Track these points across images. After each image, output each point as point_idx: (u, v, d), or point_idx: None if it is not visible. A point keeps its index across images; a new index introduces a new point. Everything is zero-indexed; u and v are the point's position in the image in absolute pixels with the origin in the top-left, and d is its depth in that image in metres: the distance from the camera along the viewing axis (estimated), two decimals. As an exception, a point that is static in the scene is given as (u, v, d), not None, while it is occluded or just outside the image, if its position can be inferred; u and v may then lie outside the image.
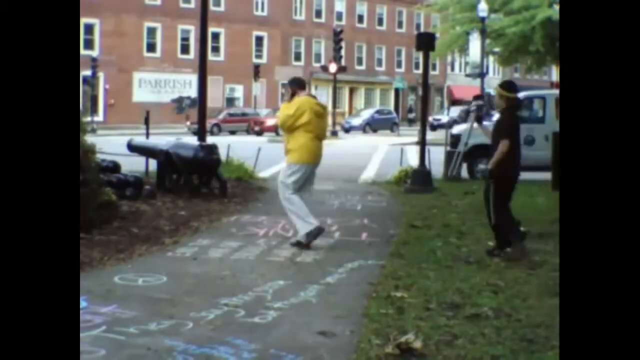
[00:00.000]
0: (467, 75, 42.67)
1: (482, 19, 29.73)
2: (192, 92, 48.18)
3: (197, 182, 12.63)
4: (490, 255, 7.80)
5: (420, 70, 16.88)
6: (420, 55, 16.58)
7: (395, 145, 28.40)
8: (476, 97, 12.52)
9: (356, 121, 51.07)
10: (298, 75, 9.11)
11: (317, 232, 8.27)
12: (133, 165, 14.15)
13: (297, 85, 8.60)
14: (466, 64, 49.74)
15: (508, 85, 8.17)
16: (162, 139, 15.24)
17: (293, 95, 8.49)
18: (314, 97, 8.78)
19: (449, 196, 13.30)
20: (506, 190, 7.85)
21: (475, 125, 7.97)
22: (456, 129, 18.20)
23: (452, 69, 68.18)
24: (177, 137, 16.72)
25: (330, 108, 47.04)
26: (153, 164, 13.79)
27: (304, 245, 8.21)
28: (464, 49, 35.49)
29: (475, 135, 17.45)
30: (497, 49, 32.93)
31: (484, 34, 30.18)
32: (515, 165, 7.88)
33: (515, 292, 6.31)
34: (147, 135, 19.50)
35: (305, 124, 8.25)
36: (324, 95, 57.57)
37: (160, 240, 8.65)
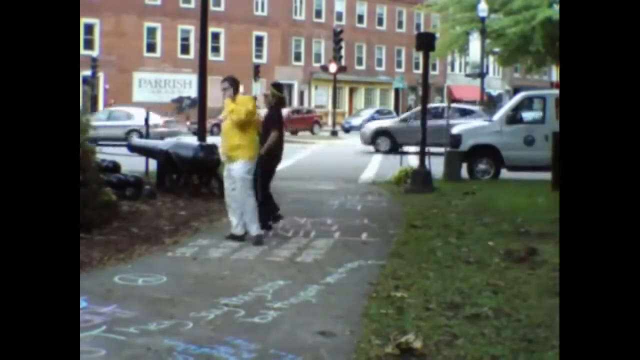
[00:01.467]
0: (467, 75, 42.65)
1: (482, 19, 29.71)
2: (192, 92, 48.14)
3: (197, 182, 12.63)
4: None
5: (420, 70, 16.88)
6: (420, 55, 16.57)
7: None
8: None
9: (356, 121, 50.99)
10: (233, 76, 9.23)
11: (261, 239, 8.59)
12: (133, 165, 14.15)
13: (237, 86, 8.89)
14: (466, 64, 49.67)
15: (278, 86, 9.80)
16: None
17: (236, 93, 8.76)
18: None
19: (449, 196, 13.30)
20: (271, 171, 9.35)
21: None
22: (456, 129, 18.19)
23: (452, 69, 68.13)
24: (177, 137, 16.71)
25: (330, 108, 47.14)
26: (153, 164, 13.79)
27: (257, 239, 8.50)
28: (464, 49, 35.44)
29: (475, 135, 17.49)
30: (497, 49, 32.89)
31: (484, 34, 30.16)
32: (280, 150, 9.38)
33: (515, 292, 6.31)
34: (147, 135, 19.51)
35: (256, 121, 8.75)
36: (324, 95, 57.64)
37: (160, 240, 8.65)
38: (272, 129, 9.12)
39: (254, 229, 8.54)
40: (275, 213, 9.50)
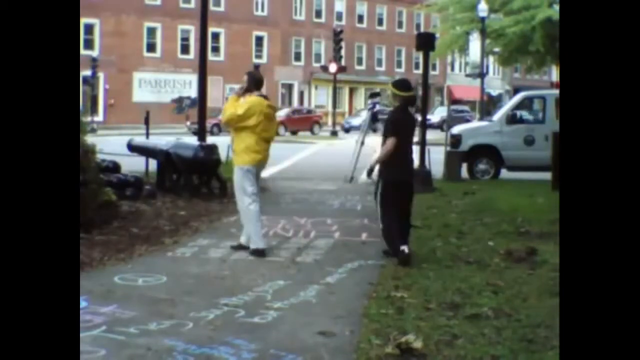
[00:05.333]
0: (467, 75, 42.70)
1: (482, 19, 29.73)
2: (192, 92, 48.17)
3: (197, 182, 12.63)
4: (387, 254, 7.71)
5: (420, 70, 16.88)
6: (420, 55, 16.57)
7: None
8: (373, 95, 11.34)
9: (356, 121, 51.05)
10: (258, 72, 8.59)
11: (261, 254, 7.90)
12: (133, 165, 14.15)
13: (254, 83, 8.16)
14: (466, 64, 49.73)
15: (402, 85, 8.09)
16: (162, 139, 15.25)
17: (247, 90, 8.06)
18: (266, 97, 8.31)
19: (449, 196, 13.30)
20: (390, 193, 7.69)
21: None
22: (456, 129, 18.20)
23: (452, 69, 68.16)
24: (177, 137, 16.72)
25: (330, 108, 47.19)
26: (153, 164, 13.79)
27: (258, 252, 7.91)
28: (464, 49, 35.50)
29: (475, 135, 17.50)
30: (497, 49, 32.93)
31: (484, 34, 30.18)
32: (402, 167, 7.77)
33: (515, 292, 6.31)
34: (147, 135, 19.52)
35: (253, 126, 7.89)
36: (324, 95, 57.65)
37: (160, 240, 8.64)
38: (388, 137, 7.74)
39: (252, 242, 7.97)
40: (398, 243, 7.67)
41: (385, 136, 7.78)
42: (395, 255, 7.52)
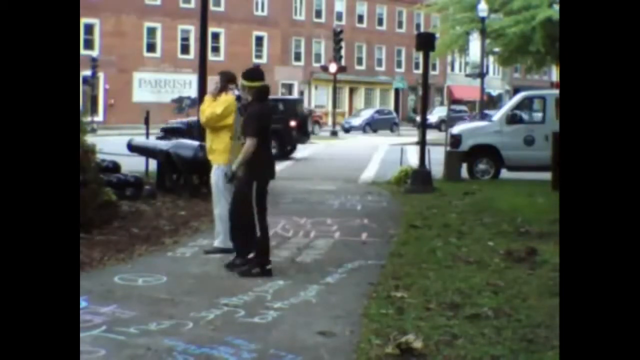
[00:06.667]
0: (467, 75, 42.74)
1: (482, 19, 29.73)
2: (192, 92, 48.11)
3: (197, 182, 12.63)
4: (230, 267, 7.09)
5: (420, 70, 16.89)
6: (420, 55, 16.58)
7: (395, 145, 28.39)
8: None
9: (356, 121, 51.12)
10: (230, 70, 8.42)
11: (224, 253, 7.86)
12: (133, 165, 14.15)
13: (227, 81, 7.98)
14: (466, 64, 49.75)
15: (252, 75, 7.25)
16: (162, 139, 15.25)
17: (222, 90, 7.93)
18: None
19: (449, 196, 13.30)
20: (265, 194, 7.13)
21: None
22: (456, 129, 18.20)
23: (452, 69, 68.11)
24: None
25: (330, 108, 47.18)
26: (153, 164, 13.79)
27: (216, 250, 7.96)
28: (464, 49, 35.52)
29: (475, 135, 17.49)
30: (497, 49, 32.94)
31: (484, 34, 30.18)
32: (272, 165, 7.18)
33: (515, 292, 6.31)
34: (147, 135, 19.50)
35: (231, 125, 7.74)
36: (324, 95, 57.63)
37: (160, 240, 8.65)
38: (247, 135, 6.98)
39: (223, 241, 7.99)
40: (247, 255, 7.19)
41: (246, 134, 6.99)
42: (260, 265, 6.98)
